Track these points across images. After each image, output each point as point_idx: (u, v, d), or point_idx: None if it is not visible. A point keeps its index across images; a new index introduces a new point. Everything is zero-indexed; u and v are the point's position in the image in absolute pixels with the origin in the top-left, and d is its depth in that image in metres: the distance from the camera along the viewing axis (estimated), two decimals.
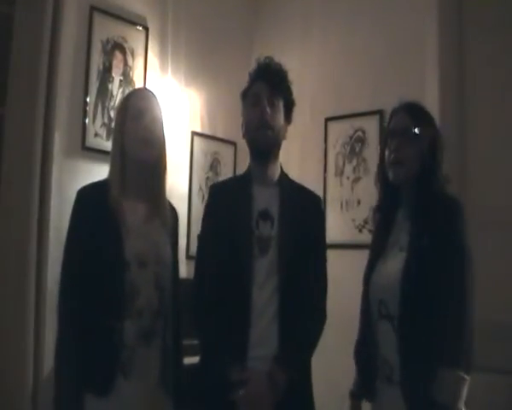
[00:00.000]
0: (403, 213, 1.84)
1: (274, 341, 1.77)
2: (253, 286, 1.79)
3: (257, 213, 1.86)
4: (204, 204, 2.02)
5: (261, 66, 1.95)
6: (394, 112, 1.88)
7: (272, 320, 1.78)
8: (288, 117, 1.96)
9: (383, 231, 1.88)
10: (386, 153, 1.84)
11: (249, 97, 1.94)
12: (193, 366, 1.89)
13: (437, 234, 1.68)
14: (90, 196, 1.78)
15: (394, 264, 1.75)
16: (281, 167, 1.97)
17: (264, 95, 1.88)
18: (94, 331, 1.67)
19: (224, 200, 1.93)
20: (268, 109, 1.87)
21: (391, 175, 1.81)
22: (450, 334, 1.61)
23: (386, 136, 1.88)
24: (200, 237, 1.97)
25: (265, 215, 1.86)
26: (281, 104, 1.91)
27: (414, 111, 1.84)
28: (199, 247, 1.97)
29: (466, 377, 1.59)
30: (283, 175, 1.97)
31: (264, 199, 1.88)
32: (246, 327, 1.76)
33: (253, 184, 1.92)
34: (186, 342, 1.96)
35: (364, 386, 1.84)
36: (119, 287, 1.69)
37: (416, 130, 1.79)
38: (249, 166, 1.98)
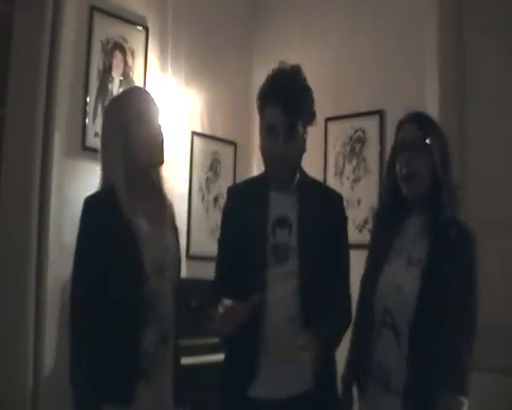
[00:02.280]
0: (414, 223, 1.81)
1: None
2: (266, 294, 1.72)
3: (273, 219, 1.78)
4: (222, 208, 1.95)
5: (276, 86, 1.77)
6: (401, 124, 1.84)
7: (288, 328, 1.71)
8: (307, 126, 1.83)
9: (387, 235, 1.85)
10: (397, 167, 1.80)
11: (265, 122, 1.78)
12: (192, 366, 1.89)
13: (454, 264, 1.70)
14: (100, 206, 1.72)
15: (406, 278, 1.74)
16: (300, 168, 1.87)
17: (282, 128, 1.73)
18: (115, 342, 1.64)
19: (241, 205, 1.85)
20: (286, 144, 1.73)
21: (404, 191, 1.78)
22: (455, 360, 1.65)
23: (394, 149, 1.84)
24: (219, 243, 1.91)
25: (283, 222, 1.78)
26: (299, 125, 1.77)
27: (422, 121, 1.81)
28: (218, 252, 1.91)
29: (465, 400, 1.63)
30: (303, 177, 1.87)
31: (282, 205, 1.80)
32: (257, 335, 1.71)
33: (270, 189, 1.82)
34: (186, 342, 1.97)
35: (354, 375, 1.86)
36: (141, 297, 1.67)
37: (427, 140, 1.75)
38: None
